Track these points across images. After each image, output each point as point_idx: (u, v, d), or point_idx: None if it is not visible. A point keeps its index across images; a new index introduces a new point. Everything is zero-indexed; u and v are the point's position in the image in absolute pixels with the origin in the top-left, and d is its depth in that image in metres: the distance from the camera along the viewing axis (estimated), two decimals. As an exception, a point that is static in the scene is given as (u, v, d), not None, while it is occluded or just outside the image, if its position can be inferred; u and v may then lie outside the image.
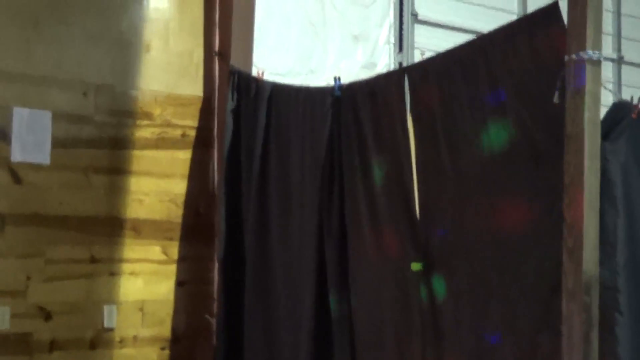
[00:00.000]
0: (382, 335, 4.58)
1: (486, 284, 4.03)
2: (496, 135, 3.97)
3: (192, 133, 5.81)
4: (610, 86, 7.63)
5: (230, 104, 5.53)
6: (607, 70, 7.89)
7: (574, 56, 3.49)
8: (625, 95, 4.10)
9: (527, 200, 3.86)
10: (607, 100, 4.02)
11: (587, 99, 3.46)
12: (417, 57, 6.55)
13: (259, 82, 5.42)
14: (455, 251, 4.20)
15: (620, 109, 3.88)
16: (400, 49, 6.68)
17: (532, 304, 3.83)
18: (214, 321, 5.60)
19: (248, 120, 5.45)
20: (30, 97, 5.25)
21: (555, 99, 3.57)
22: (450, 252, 4.22)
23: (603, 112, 3.69)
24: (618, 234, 3.74)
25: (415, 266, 4.29)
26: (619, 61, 7.97)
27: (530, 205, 3.85)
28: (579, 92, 3.44)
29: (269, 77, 5.50)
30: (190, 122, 5.80)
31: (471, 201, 4.11)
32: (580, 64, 3.46)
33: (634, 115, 3.82)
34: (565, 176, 3.52)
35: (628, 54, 8.12)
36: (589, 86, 3.47)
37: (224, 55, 5.78)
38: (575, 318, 3.47)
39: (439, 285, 4.24)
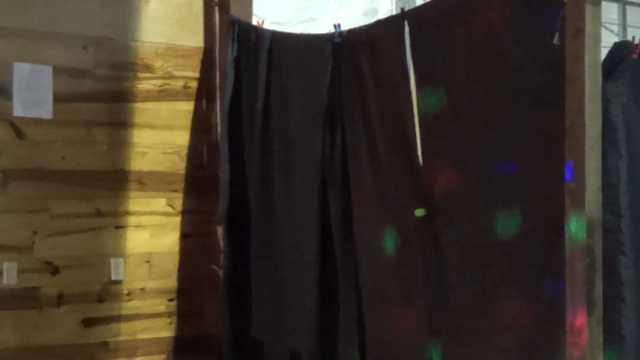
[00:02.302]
0: (387, 282, 4.58)
1: (489, 230, 4.02)
2: (496, 80, 3.93)
3: (194, 84, 5.79)
4: (615, 27, 7.56)
5: (231, 54, 5.50)
6: (612, 12, 7.80)
7: (573, -3, 3.44)
8: (630, 37, 4.06)
9: (528, 144, 3.83)
10: (609, 41, 3.99)
11: (587, 40, 3.42)
12: (420, 3, 6.48)
13: (258, 31, 5.38)
14: (458, 198, 4.18)
15: (620, 49, 3.84)
16: (402, -6, 6.61)
17: (535, 249, 3.82)
18: (220, 272, 5.62)
19: (248, 70, 5.43)
20: (30, 53, 5.23)
21: (556, 40, 3.53)
22: (453, 199, 4.20)
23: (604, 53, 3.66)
24: (620, 175, 3.72)
25: (419, 212, 4.27)
26: (623, 2, 7.87)
27: (532, 150, 3.82)
28: (579, 33, 3.40)
29: (269, 26, 5.46)
30: (191, 73, 5.79)
31: (472, 147, 4.08)
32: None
33: (634, 56, 3.78)
34: (566, 119, 3.48)
35: (633, -6, 8.03)
36: (589, 27, 3.41)
37: (223, 5, 5.73)
38: (578, 262, 3.45)
39: (442, 233, 4.23)
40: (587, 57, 3.42)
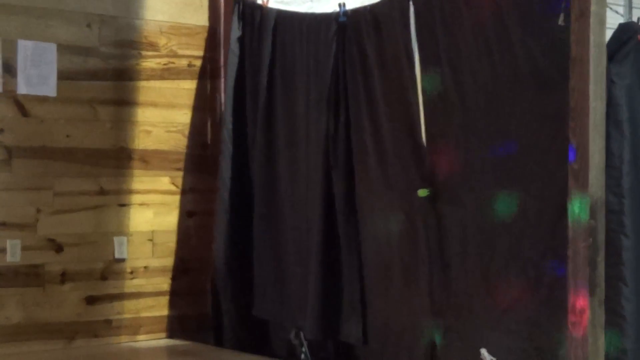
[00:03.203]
0: (390, 264, 4.59)
1: (491, 211, 4.03)
2: (500, 61, 3.94)
3: (198, 63, 5.78)
4: (620, 9, 7.53)
5: (236, 33, 5.49)
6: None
7: (578, -23, 3.43)
8: (635, 18, 4.05)
9: (532, 125, 3.84)
10: (614, 22, 3.98)
11: (592, 21, 3.41)
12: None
13: (263, 10, 5.37)
14: (461, 178, 4.19)
15: (625, 30, 3.83)
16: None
17: (537, 229, 3.83)
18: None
19: (253, 50, 5.42)
20: (34, 30, 5.22)
21: (560, 21, 3.53)
22: (456, 179, 4.21)
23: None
24: (624, 157, 3.73)
25: (422, 192, 4.29)
26: (630, -17, 7.84)
27: (535, 131, 3.83)
28: (584, 14, 3.39)
29: (273, 5, 5.45)
30: (195, 52, 5.77)
31: (476, 128, 4.09)
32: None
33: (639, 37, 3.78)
34: (570, 100, 3.49)
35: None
36: (594, 8, 3.41)
37: (228, -17, 5.72)
38: (581, 242, 3.46)
39: (445, 213, 4.24)
40: (591, 38, 3.42)
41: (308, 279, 4.97)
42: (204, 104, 5.78)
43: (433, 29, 4.26)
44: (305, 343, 5.05)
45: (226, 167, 5.49)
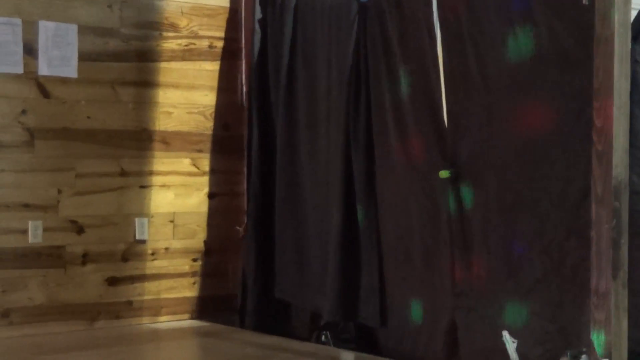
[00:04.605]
0: (410, 245, 4.57)
1: (514, 192, 4.00)
2: (524, 41, 3.90)
3: (219, 44, 5.77)
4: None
5: (257, 14, 5.48)
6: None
7: (603, -45, 3.39)
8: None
9: (555, 106, 3.80)
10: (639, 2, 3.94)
11: (617, 0, 3.37)
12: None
13: (284, -9, 5.36)
14: (483, 159, 4.16)
15: (651, 9, 3.78)
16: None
17: (561, 211, 3.80)
18: (241, 231, 5.62)
19: (274, 30, 5.40)
20: (55, 11, 5.22)
21: (585, 0, 3.49)
22: (478, 160, 4.18)
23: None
24: (648, 138, 3.69)
25: (443, 174, 4.26)
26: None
27: (558, 112, 3.80)
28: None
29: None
30: (217, 33, 5.76)
31: (499, 108, 4.05)
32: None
33: (665, 16, 3.73)
34: (594, 80, 3.45)
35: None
36: (619, -14, 3.37)
37: (249, -37, 5.70)
38: (604, 224, 3.43)
39: (467, 194, 4.22)
40: (616, 17, 3.38)
41: (327, 260, 4.97)
42: (225, 85, 5.77)
43: (455, 7, 4.23)
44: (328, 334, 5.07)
45: (255, 149, 5.49)
